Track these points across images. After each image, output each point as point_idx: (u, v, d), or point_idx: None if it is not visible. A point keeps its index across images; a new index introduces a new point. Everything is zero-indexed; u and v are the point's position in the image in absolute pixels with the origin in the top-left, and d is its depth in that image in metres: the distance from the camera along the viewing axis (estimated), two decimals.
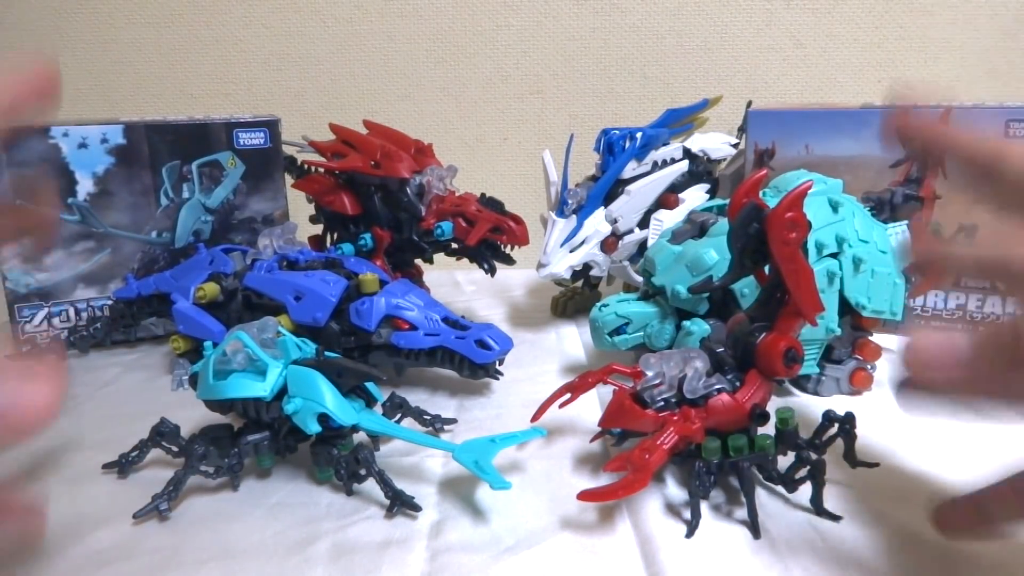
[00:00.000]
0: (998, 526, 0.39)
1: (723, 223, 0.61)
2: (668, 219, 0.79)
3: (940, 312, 0.75)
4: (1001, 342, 0.33)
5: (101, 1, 1.03)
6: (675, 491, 0.48)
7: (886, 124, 0.42)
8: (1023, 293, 0.38)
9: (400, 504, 0.46)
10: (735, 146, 0.87)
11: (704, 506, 0.45)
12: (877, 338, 0.64)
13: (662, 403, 0.47)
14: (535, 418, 0.54)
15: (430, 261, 0.81)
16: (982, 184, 0.38)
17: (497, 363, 0.63)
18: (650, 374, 0.47)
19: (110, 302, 0.77)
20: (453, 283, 1.02)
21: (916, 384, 0.36)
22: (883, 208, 0.74)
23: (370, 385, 0.51)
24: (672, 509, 0.46)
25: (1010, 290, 0.43)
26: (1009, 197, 0.37)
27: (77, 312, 0.78)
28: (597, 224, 0.77)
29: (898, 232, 0.65)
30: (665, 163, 0.81)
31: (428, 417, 0.57)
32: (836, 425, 0.47)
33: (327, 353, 0.50)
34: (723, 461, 0.45)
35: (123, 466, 0.52)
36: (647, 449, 0.44)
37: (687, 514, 0.45)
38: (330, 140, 0.80)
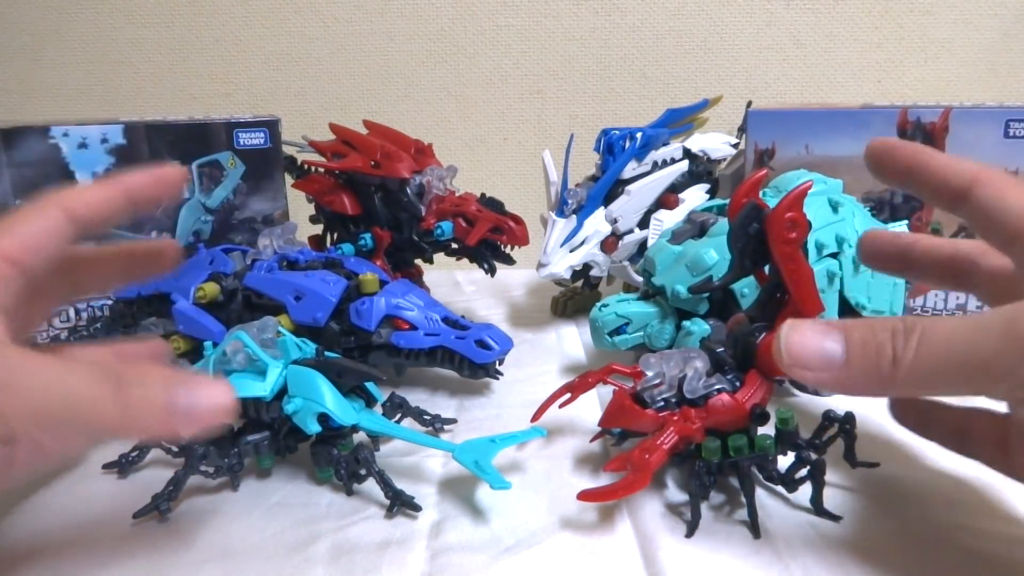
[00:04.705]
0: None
1: (723, 223, 0.61)
2: (668, 219, 0.79)
3: (940, 312, 0.75)
4: (868, 353, 0.34)
5: (101, 1, 1.03)
6: (675, 491, 0.48)
7: (868, 154, 0.42)
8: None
9: (400, 504, 0.46)
10: (735, 146, 0.87)
11: (704, 506, 0.45)
12: None
13: (662, 403, 0.47)
14: (535, 418, 0.54)
15: (430, 261, 0.81)
16: (955, 210, 0.39)
17: (497, 363, 0.63)
18: (650, 374, 0.47)
19: (110, 302, 0.77)
20: (453, 283, 1.02)
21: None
22: (883, 208, 0.74)
23: (370, 385, 0.51)
24: (672, 509, 0.46)
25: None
26: (980, 223, 0.37)
27: (77, 312, 0.78)
28: (597, 224, 0.77)
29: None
30: (665, 163, 0.81)
31: (428, 417, 0.57)
32: (836, 425, 0.47)
33: (327, 353, 0.50)
34: (723, 461, 0.45)
35: (123, 466, 0.52)
36: (647, 449, 0.44)
37: (687, 514, 0.45)
38: (330, 140, 0.80)
